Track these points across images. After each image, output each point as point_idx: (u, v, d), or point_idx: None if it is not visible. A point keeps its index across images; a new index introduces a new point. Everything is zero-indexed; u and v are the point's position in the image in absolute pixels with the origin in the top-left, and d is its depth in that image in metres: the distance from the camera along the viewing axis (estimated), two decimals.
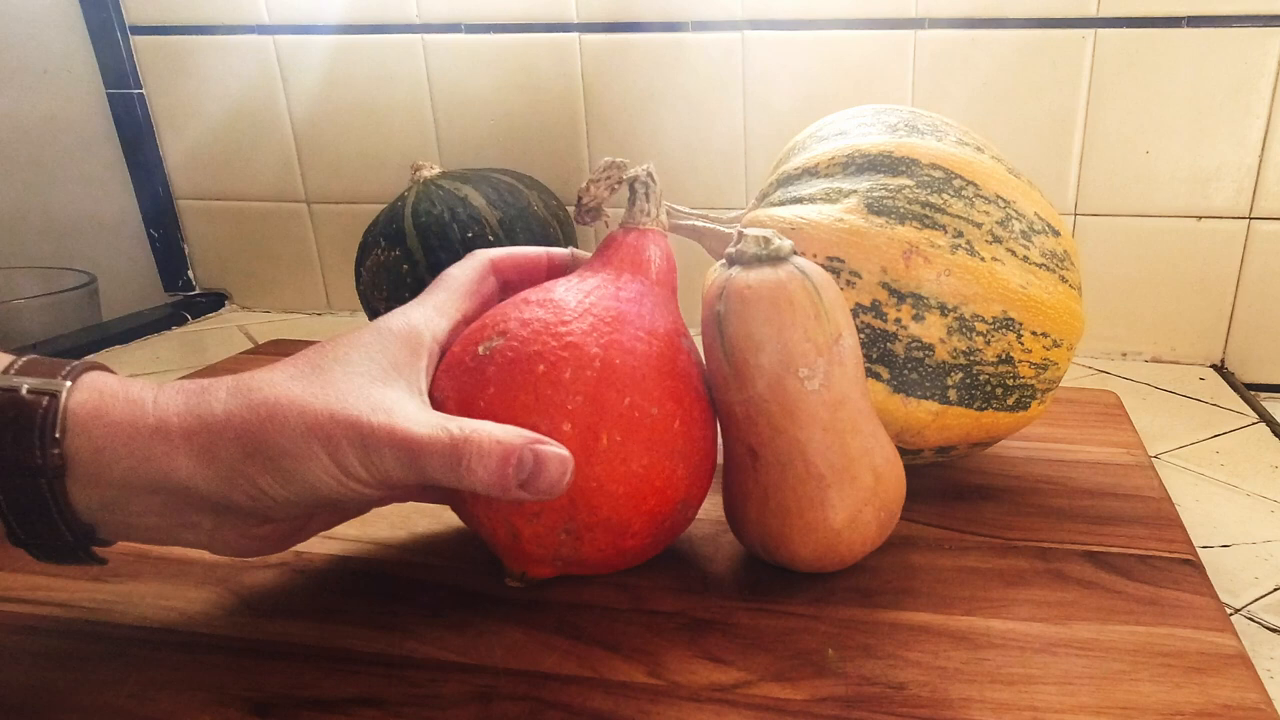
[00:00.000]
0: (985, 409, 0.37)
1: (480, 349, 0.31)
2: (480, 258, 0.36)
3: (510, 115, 0.73)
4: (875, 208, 0.36)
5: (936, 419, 0.37)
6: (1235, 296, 0.64)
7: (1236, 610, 0.36)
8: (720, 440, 0.34)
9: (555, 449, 0.28)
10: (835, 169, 0.38)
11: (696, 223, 0.42)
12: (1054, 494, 0.41)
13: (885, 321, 0.35)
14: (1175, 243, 0.64)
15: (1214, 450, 0.51)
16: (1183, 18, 0.59)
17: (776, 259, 0.31)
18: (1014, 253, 0.36)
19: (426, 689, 0.29)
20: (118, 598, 0.34)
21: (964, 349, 0.35)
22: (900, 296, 0.35)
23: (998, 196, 0.37)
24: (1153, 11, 0.59)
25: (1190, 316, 0.65)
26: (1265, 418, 0.56)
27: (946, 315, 0.35)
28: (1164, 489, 0.42)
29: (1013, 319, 0.36)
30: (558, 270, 0.37)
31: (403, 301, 0.65)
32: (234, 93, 0.77)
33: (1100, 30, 0.60)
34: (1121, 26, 0.60)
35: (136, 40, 0.76)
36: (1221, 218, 0.62)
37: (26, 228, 0.84)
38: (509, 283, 0.37)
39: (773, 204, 0.39)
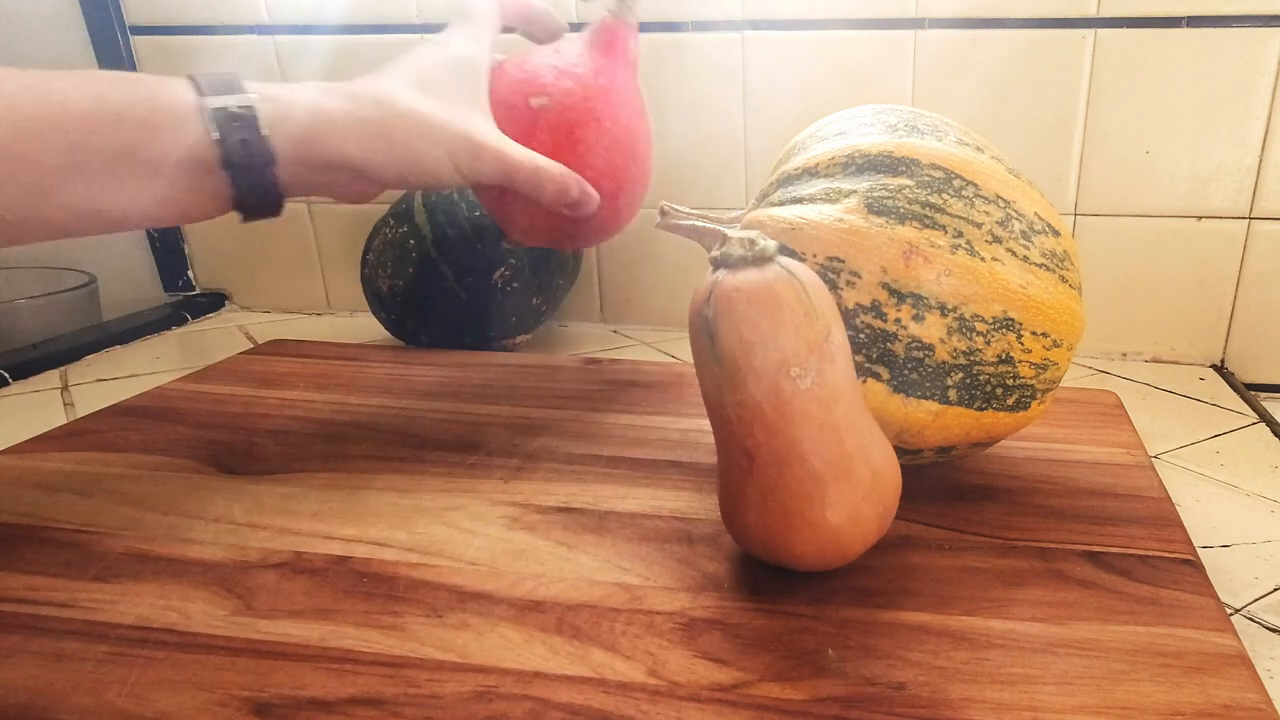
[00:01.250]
0: (985, 409, 0.37)
1: (532, 102, 0.46)
2: None
3: None
4: (875, 208, 0.36)
5: (937, 419, 0.37)
6: (1235, 296, 0.64)
7: (1236, 610, 0.36)
8: (716, 444, 0.34)
9: (591, 190, 0.46)
10: (835, 169, 0.38)
11: (696, 223, 0.42)
12: (1054, 494, 0.41)
13: (885, 321, 0.35)
14: (1175, 243, 0.64)
15: (1214, 450, 0.51)
16: (1183, 18, 0.59)
17: (762, 259, 0.31)
18: (1014, 253, 0.36)
19: (426, 689, 0.29)
20: (117, 598, 0.34)
21: (964, 349, 0.36)
22: (900, 296, 0.35)
23: (998, 196, 0.37)
24: (1153, 11, 0.59)
25: (1190, 316, 0.65)
26: (1265, 418, 0.56)
27: (947, 315, 0.35)
28: (1164, 489, 0.42)
29: (1013, 319, 0.36)
30: (548, 23, 0.51)
31: (407, 278, 0.66)
32: None
33: (1100, 30, 0.60)
34: (1121, 26, 0.60)
35: (136, 40, 0.76)
36: (1221, 218, 0.62)
37: None
38: (508, 20, 0.49)
39: (773, 204, 0.39)
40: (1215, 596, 0.33)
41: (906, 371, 0.36)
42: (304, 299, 0.83)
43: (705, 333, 0.32)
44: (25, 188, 0.33)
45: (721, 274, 0.32)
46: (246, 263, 0.83)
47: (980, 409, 0.37)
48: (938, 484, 0.42)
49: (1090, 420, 0.49)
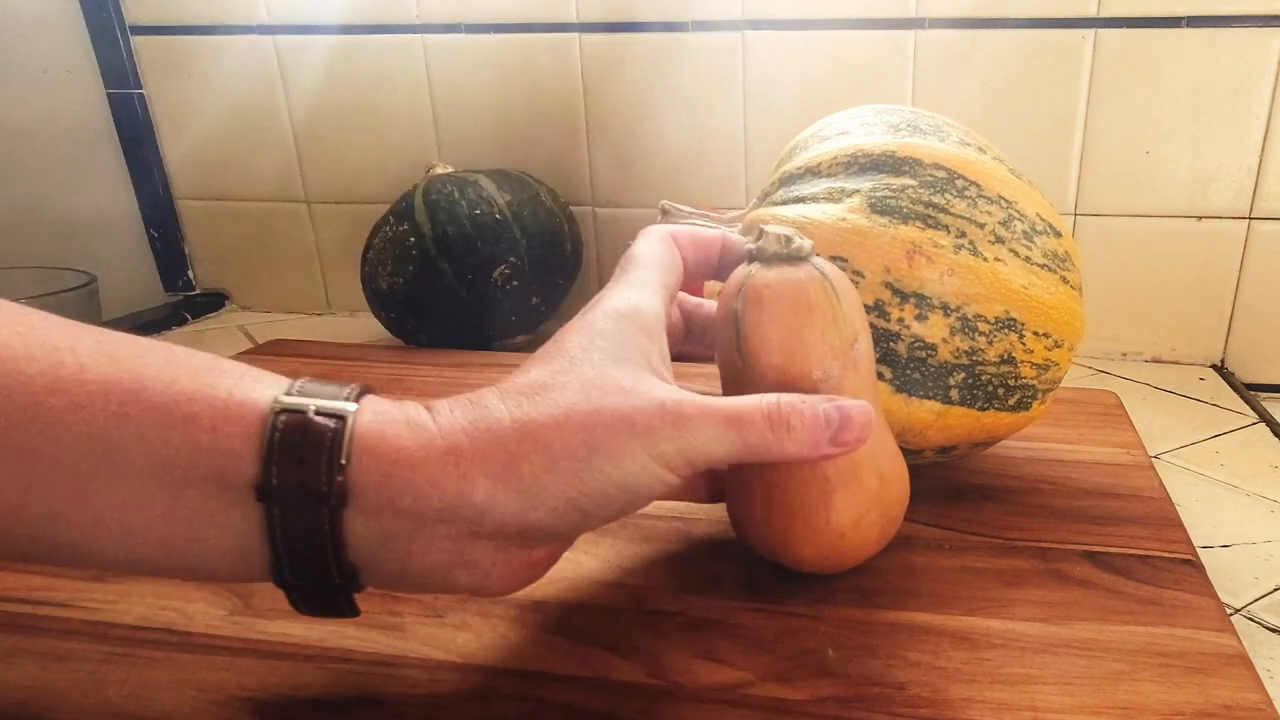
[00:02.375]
0: (987, 409, 0.37)
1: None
2: (659, 231, 0.33)
3: (510, 115, 0.73)
4: (879, 207, 0.36)
5: (939, 419, 0.37)
6: (1235, 296, 0.64)
7: (1236, 610, 0.36)
8: None
9: (855, 401, 0.29)
10: (838, 168, 0.38)
11: (696, 222, 0.42)
12: (1054, 494, 0.41)
13: (888, 321, 0.35)
14: (1175, 243, 0.64)
15: (1214, 450, 0.51)
16: (1183, 18, 0.59)
17: (797, 258, 0.31)
18: (1016, 253, 0.36)
19: (426, 689, 0.29)
20: (118, 598, 0.34)
21: (966, 349, 0.36)
22: (903, 296, 0.35)
23: (1000, 197, 0.37)
24: (1153, 11, 0.59)
25: (1190, 316, 0.65)
26: (1265, 418, 0.56)
27: (949, 315, 0.35)
28: (1164, 489, 0.42)
29: (1015, 319, 0.36)
30: (730, 252, 0.36)
31: (406, 275, 0.66)
32: (234, 93, 0.77)
33: (1100, 30, 0.60)
34: (1121, 26, 0.60)
35: (136, 40, 0.76)
36: (1221, 218, 0.62)
37: (26, 228, 0.84)
38: (685, 258, 0.34)
39: (775, 203, 0.39)
40: (1215, 596, 0.33)
41: (909, 371, 0.36)
42: (304, 299, 0.83)
43: (732, 325, 0.31)
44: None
45: (755, 268, 0.31)
46: (246, 263, 0.83)
47: (982, 409, 0.37)
48: (938, 484, 0.42)
49: (1090, 420, 0.49)
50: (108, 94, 0.78)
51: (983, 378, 0.36)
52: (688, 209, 0.42)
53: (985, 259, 0.35)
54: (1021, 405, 0.38)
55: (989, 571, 0.35)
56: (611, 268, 0.33)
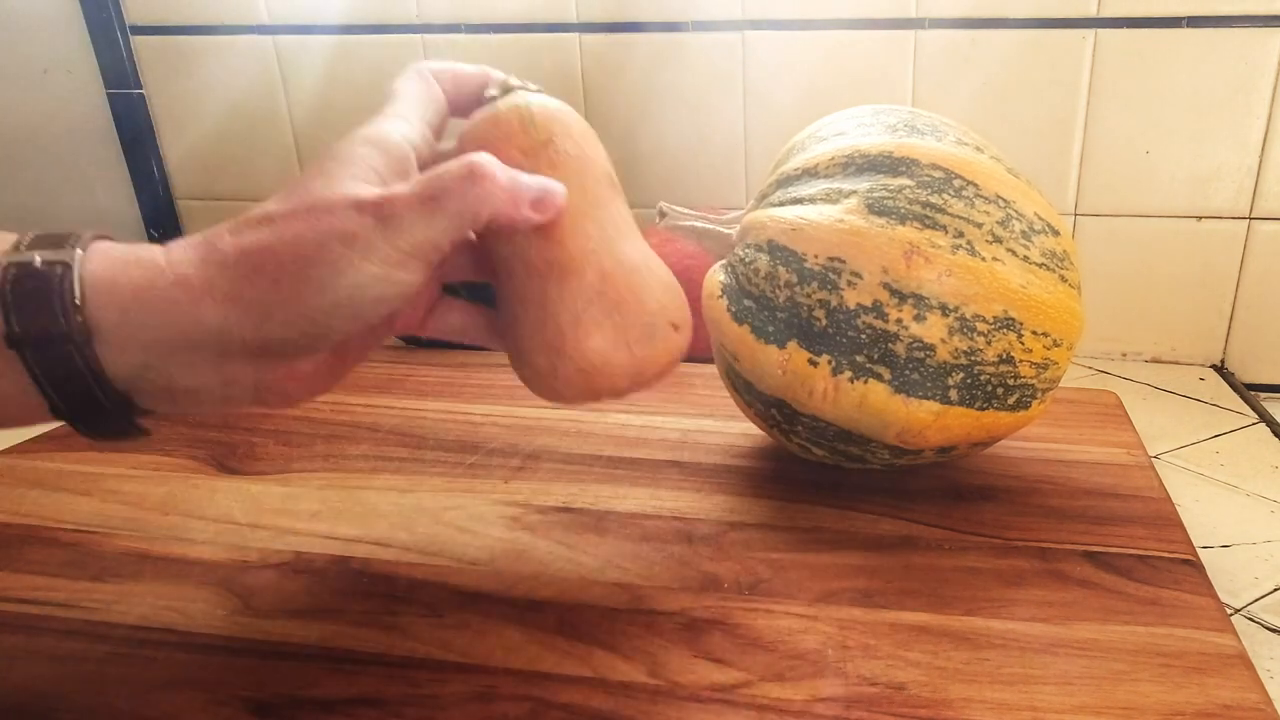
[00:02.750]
0: (986, 409, 0.37)
1: None
2: (420, 68, 0.34)
3: None
4: (876, 208, 0.36)
5: (938, 419, 0.37)
6: (1235, 296, 0.64)
7: (1236, 610, 0.36)
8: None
9: (553, 181, 0.30)
10: (835, 169, 0.38)
11: (695, 223, 0.42)
12: (1054, 494, 0.41)
13: (887, 322, 0.35)
14: (1175, 243, 0.64)
15: (1214, 450, 0.51)
16: (1183, 18, 0.59)
17: (505, 94, 0.33)
18: (1014, 252, 0.36)
19: (426, 689, 0.29)
20: (118, 598, 0.34)
21: (965, 349, 0.36)
22: (902, 297, 0.35)
23: (998, 196, 0.37)
24: (1153, 11, 0.59)
25: (1190, 316, 0.65)
26: (1265, 418, 0.56)
27: (948, 315, 0.35)
28: (1164, 489, 0.42)
29: (1014, 319, 0.36)
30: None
31: None
32: (234, 93, 0.77)
33: (1100, 30, 0.60)
34: (1121, 26, 0.60)
35: (136, 40, 0.76)
36: (1221, 218, 0.62)
37: (26, 228, 0.84)
38: (447, 93, 0.35)
39: (772, 204, 0.39)
40: (1215, 596, 0.33)
41: (908, 372, 0.36)
42: None
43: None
44: None
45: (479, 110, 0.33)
46: None
47: (981, 409, 0.37)
48: (938, 484, 0.42)
49: (1090, 420, 0.49)
50: (108, 94, 0.78)
51: (981, 377, 0.36)
52: (685, 210, 0.42)
53: (983, 259, 0.35)
54: (1021, 404, 0.38)
55: (989, 571, 0.35)
56: None
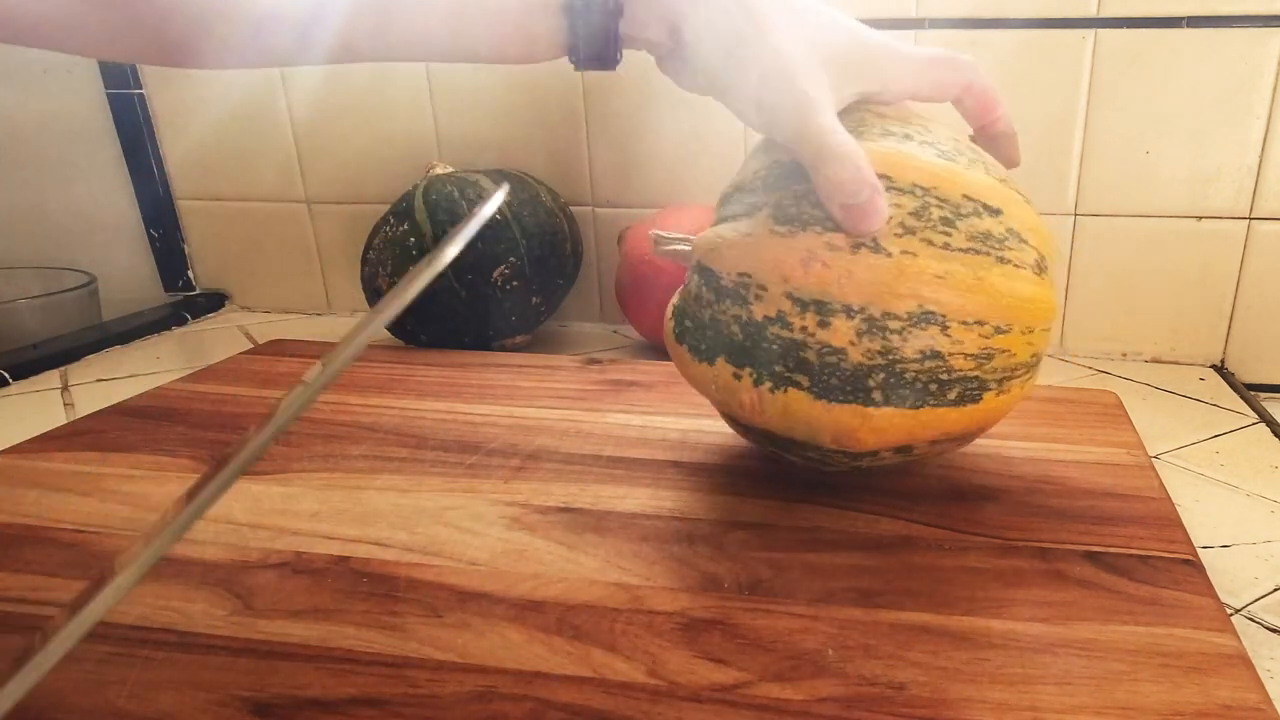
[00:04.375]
0: (922, 406, 0.36)
1: None
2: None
3: (510, 115, 0.73)
4: (780, 217, 0.35)
5: (866, 421, 0.36)
6: (1235, 296, 0.64)
7: (1236, 610, 0.36)
8: None
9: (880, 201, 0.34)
10: (757, 182, 0.38)
11: (677, 246, 0.42)
12: (1054, 494, 0.41)
13: (793, 331, 0.35)
14: (1175, 243, 0.64)
15: (1214, 450, 0.51)
16: (1183, 18, 0.59)
17: None
18: (931, 242, 0.34)
19: (426, 689, 0.29)
20: None
21: (879, 349, 0.34)
22: (803, 304, 0.34)
23: (915, 185, 0.35)
24: (1153, 11, 0.59)
25: (1190, 316, 0.65)
26: (1265, 418, 0.56)
27: (854, 318, 0.34)
28: (1164, 489, 0.42)
29: (932, 312, 0.34)
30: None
31: (406, 275, 0.65)
32: (234, 93, 0.77)
33: (1100, 30, 0.60)
34: (1121, 26, 0.60)
35: None
36: (1221, 218, 0.62)
37: (26, 228, 0.84)
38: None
39: (715, 224, 0.39)
40: (1215, 596, 0.33)
41: (825, 377, 0.35)
42: (304, 299, 0.83)
43: None
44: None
45: None
46: (246, 263, 0.83)
47: (915, 407, 0.36)
48: (938, 484, 0.42)
49: (1090, 420, 0.49)
50: (108, 94, 0.78)
51: (906, 376, 0.35)
52: (669, 235, 0.43)
53: (889, 254, 0.34)
54: (967, 399, 0.36)
55: (989, 571, 0.35)
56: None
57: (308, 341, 0.67)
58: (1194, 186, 0.62)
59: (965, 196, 0.35)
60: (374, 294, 0.66)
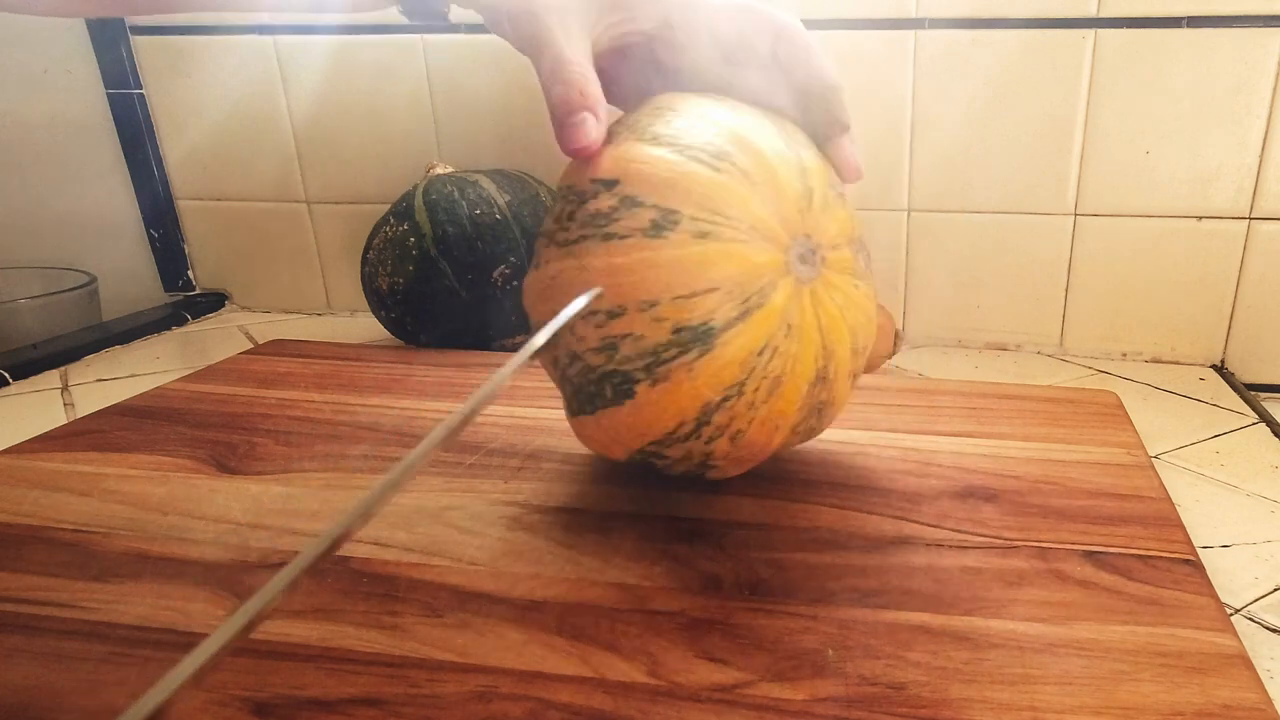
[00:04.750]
0: (597, 411, 0.36)
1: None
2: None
3: (510, 115, 0.73)
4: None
5: (583, 431, 0.38)
6: (1235, 296, 0.64)
7: (1236, 610, 0.36)
8: None
9: (593, 125, 0.35)
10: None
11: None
12: (1054, 494, 0.41)
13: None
14: (1175, 243, 0.64)
15: (1214, 450, 0.51)
16: (1183, 18, 0.59)
17: None
18: (557, 243, 0.35)
19: (426, 689, 0.29)
20: (117, 598, 0.34)
21: (566, 363, 0.36)
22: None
23: (569, 190, 0.36)
24: (1153, 11, 0.59)
25: (1190, 316, 0.65)
26: (1265, 418, 0.56)
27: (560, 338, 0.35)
28: (1164, 489, 0.42)
29: (558, 315, 0.33)
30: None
31: (406, 276, 0.66)
32: (234, 93, 0.77)
33: (1100, 30, 0.60)
34: (1121, 26, 0.60)
35: (136, 40, 0.76)
36: (1221, 218, 0.62)
37: (26, 228, 0.84)
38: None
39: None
40: (1215, 596, 0.33)
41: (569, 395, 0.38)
42: (304, 299, 0.83)
43: None
44: None
45: None
46: (246, 263, 0.83)
47: (593, 412, 0.36)
48: (938, 484, 0.42)
49: (1090, 420, 0.49)
50: (108, 94, 0.78)
51: (575, 383, 0.36)
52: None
53: (539, 267, 0.36)
54: (623, 395, 0.34)
55: (989, 571, 0.35)
56: None
57: (308, 341, 0.67)
58: (1194, 186, 0.62)
59: (592, 180, 0.34)
60: (374, 294, 0.66)
